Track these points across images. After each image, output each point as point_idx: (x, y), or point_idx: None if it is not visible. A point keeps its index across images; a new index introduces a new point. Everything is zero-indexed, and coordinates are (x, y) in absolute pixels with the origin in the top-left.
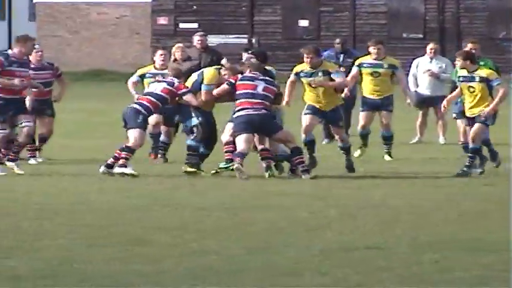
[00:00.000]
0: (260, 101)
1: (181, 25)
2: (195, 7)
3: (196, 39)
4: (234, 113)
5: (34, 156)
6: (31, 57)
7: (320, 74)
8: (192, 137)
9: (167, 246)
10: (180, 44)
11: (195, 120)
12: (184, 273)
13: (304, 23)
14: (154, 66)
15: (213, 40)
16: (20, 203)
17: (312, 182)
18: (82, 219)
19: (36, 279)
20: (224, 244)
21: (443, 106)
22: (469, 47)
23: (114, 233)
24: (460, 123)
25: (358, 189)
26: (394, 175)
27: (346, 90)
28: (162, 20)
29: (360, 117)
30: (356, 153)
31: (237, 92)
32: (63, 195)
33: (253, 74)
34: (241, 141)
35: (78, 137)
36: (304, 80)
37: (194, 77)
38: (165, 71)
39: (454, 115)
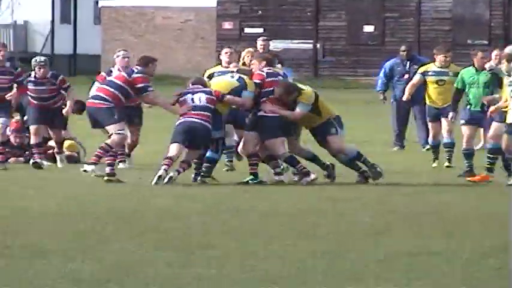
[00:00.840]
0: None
1: (246, 30)
2: (260, 12)
3: (259, 43)
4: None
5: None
6: None
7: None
8: (212, 149)
9: (230, 250)
10: (251, 49)
11: (220, 133)
12: (247, 278)
13: (369, 28)
14: (221, 65)
15: (278, 45)
16: (84, 206)
17: (371, 188)
18: (146, 223)
19: (100, 283)
20: (288, 249)
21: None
22: None
23: (178, 237)
24: (466, 130)
25: (416, 194)
26: (454, 182)
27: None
28: (227, 25)
29: (430, 128)
30: (434, 164)
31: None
32: (127, 199)
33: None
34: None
35: (144, 142)
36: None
37: (231, 81)
38: (232, 68)
39: (462, 121)
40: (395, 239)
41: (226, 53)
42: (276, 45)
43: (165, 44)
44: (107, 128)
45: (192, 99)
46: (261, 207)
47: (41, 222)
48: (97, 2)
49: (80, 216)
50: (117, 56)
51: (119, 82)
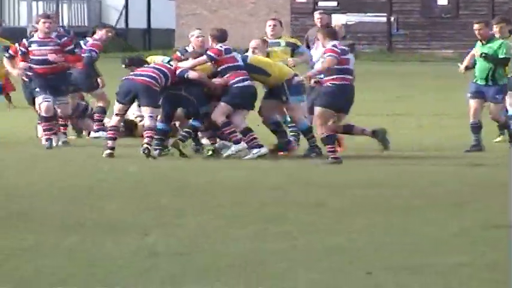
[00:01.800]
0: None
1: (320, 3)
2: None
3: (316, 16)
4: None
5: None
6: None
7: None
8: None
9: (303, 224)
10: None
11: (207, 108)
12: (320, 250)
13: (442, 1)
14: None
15: (352, 19)
16: (161, 181)
17: (447, 161)
18: (220, 197)
19: (174, 256)
20: (361, 221)
21: None
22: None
23: (250, 210)
24: (473, 103)
25: (492, 166)
26: None
27: None
28: None
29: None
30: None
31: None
32: (201, 173)
33: None
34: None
35: None
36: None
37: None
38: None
39: (469, 95)
40: (469, 212)
41: (270, 25)
42: (350, 18)
43: (239, 19)
44: (146, 108)
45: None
46: (334, 181)
47: (116, 197)
48: None
49: (155, 191)
50: (191, 36)
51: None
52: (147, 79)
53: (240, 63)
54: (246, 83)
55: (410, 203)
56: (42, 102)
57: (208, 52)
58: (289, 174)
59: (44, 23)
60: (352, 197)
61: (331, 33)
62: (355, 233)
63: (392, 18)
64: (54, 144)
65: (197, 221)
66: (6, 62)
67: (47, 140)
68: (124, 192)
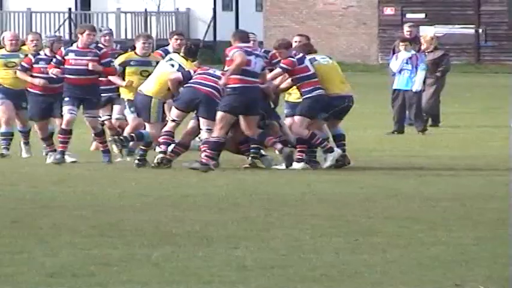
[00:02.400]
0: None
1: (408, 15)
2: None
3: (405, 29)
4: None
5: None
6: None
7: None
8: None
9: (395, 236)
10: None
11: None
12: (412, 263)
13: None
14: None
15: (440, 30)
16: (248, 194)
17: None
18: (310, 210)
19: (264, 269)
20: (452, 234)
21: None
22: None
23: (342, 223)
24: None
25: None
26: None
27: None
28: (389, 10)
29: None
30: None
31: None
32: (290, 185)
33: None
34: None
35: None
36: None
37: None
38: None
39: None
40: None
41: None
42: (438, 30)
43: (327, 30)
44: (205, 120)
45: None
46: (425, 193)
47: (205, 209)
48: None
49: (244, 203)
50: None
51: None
52: (213, 91)
53: (312, 71)
54: (317, 92)
55: (500, 215)
56: (67, 113)
57: (281, 64)
58: (379, 186)
59: (89, 35)
60: (442, 209)
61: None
62: (446, 246)
63: (480, 30)
64: (65, 158)
65: (287, 233)
66: (20, 74)
67: (60, 152)
68: (213, 204)
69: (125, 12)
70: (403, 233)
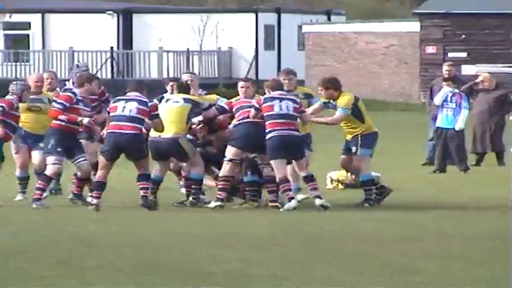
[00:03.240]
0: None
1: (450, 54)
2: (463, 36)
3: (444, 68)
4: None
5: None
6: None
7: None
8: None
9: (435, 276)
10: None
11: None
12: None
13: None
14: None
15: (482, 69)
16: (287, 232)
17: None
18: (350, 248)
19: None
20: (494, 274)
21: None
22: None
23: (381, 262)
24: None
25: None
26: None
27: None
28: (431, 49)
29: None
30: None
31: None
32: (330, 223)
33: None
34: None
35: None
36: None
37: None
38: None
39: None
40: None
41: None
42: (480, 69)
43: (368, 69)
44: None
45: (280, 106)
46: (466, 232)
47: (245, 248)
48: (301, 28)
49: (283, 242)
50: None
51: None
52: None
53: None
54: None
55: None
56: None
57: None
58: (420, 225)
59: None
60: (483, 248)
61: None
62: (487, 285)
63: None
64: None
65: (327, 272)
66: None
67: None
68: (252, 242)
69: (167, 51)
70: (444, 272)
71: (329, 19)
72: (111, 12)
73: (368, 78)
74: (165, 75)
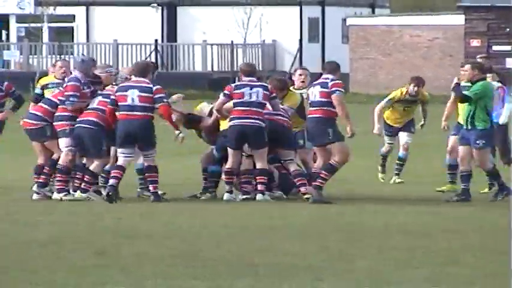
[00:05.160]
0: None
1: (494, 47)
2: (508, 29)
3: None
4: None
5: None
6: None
7: None
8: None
9: (475, 268)
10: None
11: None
12: None
13: None
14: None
15: None
16: (331, 224)
17: None
18: (392, 241)
19: None
20: None
21: None
22: None
23: (424, 254)
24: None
25: None
26: None
27: None
28: (475, 42)
29: None
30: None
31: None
32: (373, 216)
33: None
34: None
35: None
36: None
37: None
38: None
39: None
40: None
41: (301, 75)
42: None
43: (413, 62)
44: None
45: (250, 94)
46: (506, 225)
47: (289, 240)
48: (345, 21)
49: (327, 234)
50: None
51: None
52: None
53: None
54: None
55: None
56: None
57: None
58: (463, 217)
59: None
60: None
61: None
62: None
63: None
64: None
65: (370, 265)
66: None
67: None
68: (296, 235)
69: (211, 44)
70: (486, 264)
71: (373, 12)
72: (155, 5)
73: (412, 71)
74: (209, 69)
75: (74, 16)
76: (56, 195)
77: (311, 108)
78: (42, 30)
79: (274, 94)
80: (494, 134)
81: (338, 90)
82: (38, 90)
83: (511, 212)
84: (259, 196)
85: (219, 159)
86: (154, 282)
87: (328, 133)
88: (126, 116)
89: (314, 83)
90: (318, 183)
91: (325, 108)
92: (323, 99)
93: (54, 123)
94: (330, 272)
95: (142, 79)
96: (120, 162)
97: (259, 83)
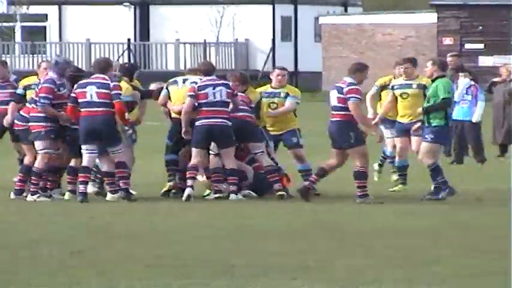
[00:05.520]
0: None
1: (467, 45)
2: (480, 27)
3: (448, 59)
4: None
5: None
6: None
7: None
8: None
9: (458, 267)
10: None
11: None
12: None
13: None
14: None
15: (499, 61)
16: (308, 224)
17: None
18: (371, 240)
19: None
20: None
21: None
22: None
23: (403, 253)
24: None
25: None
26: None
27: None
28: (448, 41)
29: None
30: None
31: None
32: (350, 215)
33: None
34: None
35: None
36: None
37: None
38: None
39: None
40: None
41: (278, 75)
42: (497, 60)
43: (385, 61)
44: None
45: (214, 93)
46: (485, 222)
47: (265, 239)
48: (318, 19)
49: (303, 233)
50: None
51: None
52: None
53: None
54: None
55: None
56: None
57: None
58: (439, 216)
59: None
60: (502, 238)
61: None
62: (505, 276)
63: None
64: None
65: (348, 263)
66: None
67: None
68: (273, 234)
69: (184, 43)
70: (467, 264)
71: (346, 10)
72: (127, 3)
73: (385, 70)
74: (182, 67)
75: (46, 15)
76: (30, 198)
77: (332, 112)
78: (14, 29)
79: (235, 92)
80: (448, 132)
81: (353, 97)
82: (20, 91)
83: (511, 211)
84: (232, 196)
85: (172, 148)
86: (130, 284)
87: (350, 137)
88: (87, 112)
89: (332, 86)
90: (361, 193)
91: (344, 112)
92: (341, 105)
93: (30, 124)
94: (307, 271)
95: (101, 75)
96: (84, 161)
97: (221, 82)
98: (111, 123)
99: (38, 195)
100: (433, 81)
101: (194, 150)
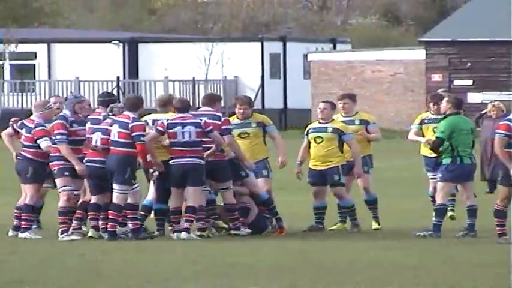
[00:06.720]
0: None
1: (456, 82)
2: (469, 64)
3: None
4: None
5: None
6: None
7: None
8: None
9: None
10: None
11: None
12: None
13: None
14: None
15: (488, 97)
16: (296, 262)
17: None
18: (358, 277)
19: None
20: None
21: None
22: None
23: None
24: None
25: None
26: None
27: None
28: (437, 77)
29: None
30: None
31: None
32: (338, 252)
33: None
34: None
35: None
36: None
37: None
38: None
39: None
40: None
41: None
42: (486, 97)
43: (374, 97)
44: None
45: (183, 133)
46: (473, 259)
47: (254, 278)
48: (306, 56)
49: (291, 271)
50: None
51: None
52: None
53: None
54: None
55: None
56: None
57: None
58: (427, 252)
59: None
60: (493, 275)
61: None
62: None
63: None
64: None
65: None
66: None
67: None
68: (259, 273)
69: (173, 81)
70: None
71: (334, 47)
72: (116, 42)
73: (374, 107)
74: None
75: (35, 53)
76: (21, 235)
77: None
78: (3, 67)
79: (210, 127)
80: (455, 170)
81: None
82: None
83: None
84: (183, 234)
85: (159, 196)
86: None
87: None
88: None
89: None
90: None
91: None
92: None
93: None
94: None
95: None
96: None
97: (191, 121)
98: (122, 163)
99: (28, 231)
100: (444, 118)
101: (173, 190)
